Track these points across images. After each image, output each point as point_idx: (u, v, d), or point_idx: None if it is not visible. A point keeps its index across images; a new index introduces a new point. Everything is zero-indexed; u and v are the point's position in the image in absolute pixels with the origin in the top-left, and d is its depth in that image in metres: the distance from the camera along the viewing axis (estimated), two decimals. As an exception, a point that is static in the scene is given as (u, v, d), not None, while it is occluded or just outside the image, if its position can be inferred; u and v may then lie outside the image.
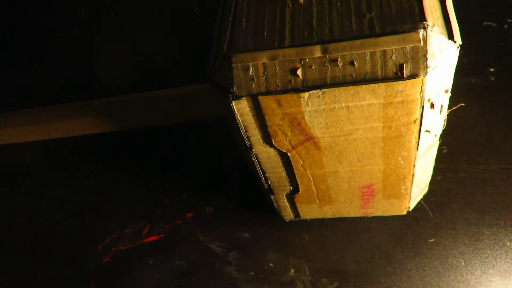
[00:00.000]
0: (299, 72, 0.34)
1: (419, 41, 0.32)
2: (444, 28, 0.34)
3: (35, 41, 0.80)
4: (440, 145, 0.53)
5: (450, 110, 0.40)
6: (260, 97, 0.36)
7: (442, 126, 0.42)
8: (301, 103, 0.36)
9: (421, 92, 0.34)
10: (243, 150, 0.45)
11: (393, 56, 0.33)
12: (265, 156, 0.43)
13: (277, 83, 0.35)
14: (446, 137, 0.59)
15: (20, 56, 0.79)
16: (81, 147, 0.69)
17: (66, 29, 0.80)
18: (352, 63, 0.33)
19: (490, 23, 0.65)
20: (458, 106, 0.42)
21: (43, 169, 0.68)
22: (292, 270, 0.56)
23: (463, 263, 0.54)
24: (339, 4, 0.35)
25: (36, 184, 0.68)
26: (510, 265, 0.53)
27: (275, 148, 0.42)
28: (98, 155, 0.68)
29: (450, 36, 0.34)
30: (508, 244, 0.54)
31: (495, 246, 0.54)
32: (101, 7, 0.81)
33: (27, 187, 0.68)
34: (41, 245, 0.63)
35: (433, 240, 0.55)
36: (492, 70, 0.63)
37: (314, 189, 0.48)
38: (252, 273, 0.57)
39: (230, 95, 0.36)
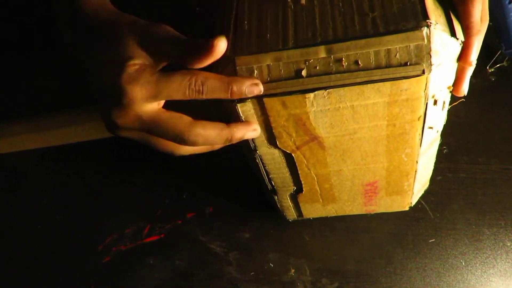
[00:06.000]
0: (303, 73, 0.34)
1: (423, 39, 0.32)
2: (446, 25, 0.34)
3: (34, 45, 0.79)
4: (441, 145, 0.53)
5: (451, 106, 0.41)
6: (265, 99, 0.36)
7: (443, 122, 0.43)
8: (306, 104, 0.36)
9: (425, 89, 0.34)
10: (246, 151, 0.44)
11: (397, 54, 0.33)
12: (269, 157, 0.43)
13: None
14: (446, 137, 0.59)
15: (19, 61, 0.78)
16: (82, 148, 0.68)
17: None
18: (356, 62, 0.34)
19: (490, 23, 0.65)
20: (458, 101, 0.42)
21: (44, 170, 0.68)
22: (293, 270, 0.56)
23: (463, 263, 0.54)
24: (341, 4, 0.35)
25: (36, 184, 0.67)
26: (510, 265, 0.53)
27: (279, 149, 0.41)
28: (98, 155, 0.68)
29: (453, 33, 0.34)
30: (509, 244, 0.54)
31: (495, 246, 0.54)
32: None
33: (27, 187, 0.67)
34: (41, 245, 0.62)
35: (434, 240, 0.56)
36: (492, 70, 0.63)
37: (318, 189, 0.48)
38: (253, 273, 0.57)
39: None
